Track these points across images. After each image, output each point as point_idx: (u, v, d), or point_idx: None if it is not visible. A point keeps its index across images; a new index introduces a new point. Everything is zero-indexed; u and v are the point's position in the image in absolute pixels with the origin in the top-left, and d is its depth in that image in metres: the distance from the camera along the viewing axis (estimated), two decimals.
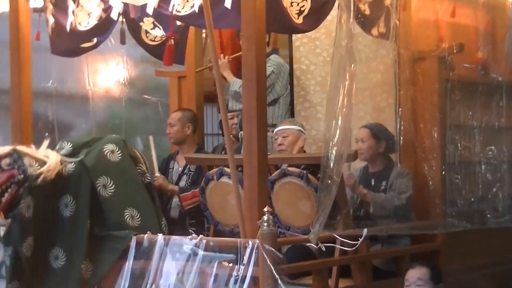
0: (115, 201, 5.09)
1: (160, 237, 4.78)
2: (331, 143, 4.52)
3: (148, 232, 4.87)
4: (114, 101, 7.50)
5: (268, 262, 4.34)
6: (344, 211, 5.03)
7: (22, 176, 4.90)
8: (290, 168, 5.12)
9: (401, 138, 5.85)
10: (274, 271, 4.32)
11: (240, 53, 6.27)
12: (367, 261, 5.16)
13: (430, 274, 4.68)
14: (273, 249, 4.37)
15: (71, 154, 5.20)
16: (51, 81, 7.07)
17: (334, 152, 4.49)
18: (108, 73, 7.37)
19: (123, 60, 7.20)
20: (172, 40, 5.45)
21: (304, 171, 5.03)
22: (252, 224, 4.50)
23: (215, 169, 5.38)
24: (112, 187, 5.08)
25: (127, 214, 5.06)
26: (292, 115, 6.41)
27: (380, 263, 5.45)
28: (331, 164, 4.48)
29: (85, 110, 7.34)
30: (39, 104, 6.91)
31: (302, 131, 5.86)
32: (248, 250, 4.44)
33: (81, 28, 5.37)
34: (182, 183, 6.32)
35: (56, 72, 7.03)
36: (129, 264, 4.82)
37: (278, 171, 5.16)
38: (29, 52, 5.62)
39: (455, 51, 5.69)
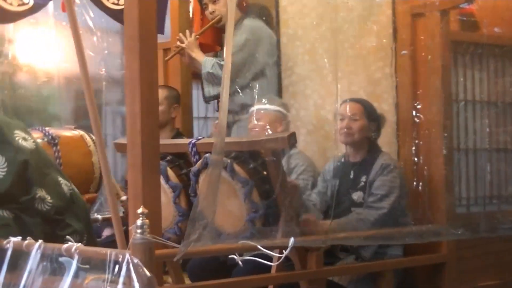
0: None
1: (36, 244, 3.72)
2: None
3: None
4: None
5: (135, 281, 3.21)
6: (286, 214, 3.81)
7: None
8: None
9: (398, 118, 4.60)
10: None
11: (209, 25, 5.25)
12: (318, 279, 3.88)
13: None
14: (141, 265, 3.22)
15: None
16: None
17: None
18: None
19: None
20: None
21: (229, 160, 3.82)
22: None
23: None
24: None
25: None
26: (279, 91, 5.16)
27: (350, 282, 4.17)
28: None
29: None
30: None
31: (282, 112, 4.67)
32: (117, 266, 3.32)
33: None
34: None
35: None
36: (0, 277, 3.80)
37: (201, 159, 3.98)
38: None
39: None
